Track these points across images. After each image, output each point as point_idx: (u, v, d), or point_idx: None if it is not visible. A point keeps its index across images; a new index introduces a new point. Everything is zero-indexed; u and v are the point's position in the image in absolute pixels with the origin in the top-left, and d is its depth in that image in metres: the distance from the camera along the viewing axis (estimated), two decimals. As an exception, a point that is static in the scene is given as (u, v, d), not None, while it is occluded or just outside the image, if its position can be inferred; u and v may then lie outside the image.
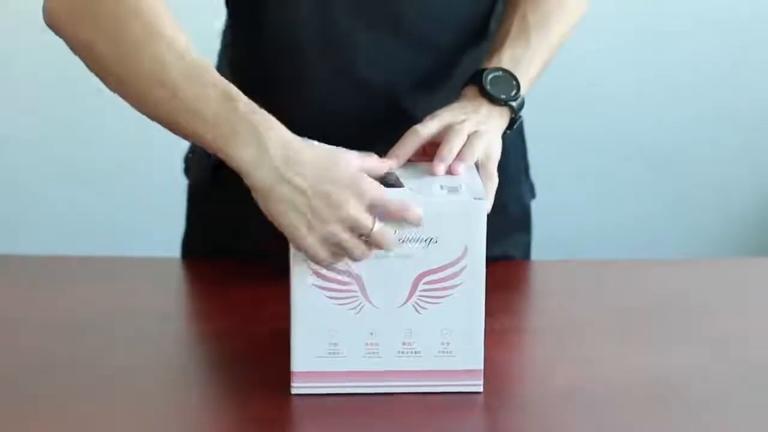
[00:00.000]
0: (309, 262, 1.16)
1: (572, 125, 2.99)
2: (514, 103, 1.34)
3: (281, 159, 1.15)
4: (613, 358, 1.28)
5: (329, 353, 1.18)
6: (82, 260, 1.58)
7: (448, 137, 1.25)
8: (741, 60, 3.08)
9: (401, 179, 1.20)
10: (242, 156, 1.15)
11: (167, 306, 1.42)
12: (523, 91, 1.35)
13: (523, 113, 1.37)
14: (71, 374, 1.23)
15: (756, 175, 3.15)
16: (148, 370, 1.24)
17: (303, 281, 1.17)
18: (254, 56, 1.43)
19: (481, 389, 1.20)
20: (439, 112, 1.30)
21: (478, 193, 1.18)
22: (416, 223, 1.16)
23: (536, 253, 1.67)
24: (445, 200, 1.16)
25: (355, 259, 1.16)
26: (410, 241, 1.16)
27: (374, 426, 1.16)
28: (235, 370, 1.25)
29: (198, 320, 1.41)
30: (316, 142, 1.18)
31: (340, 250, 1.16)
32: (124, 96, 1.24)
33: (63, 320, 1.36)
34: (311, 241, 1.15)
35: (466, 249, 1.16)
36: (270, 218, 1.16)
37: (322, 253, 1.15)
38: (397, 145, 1.25)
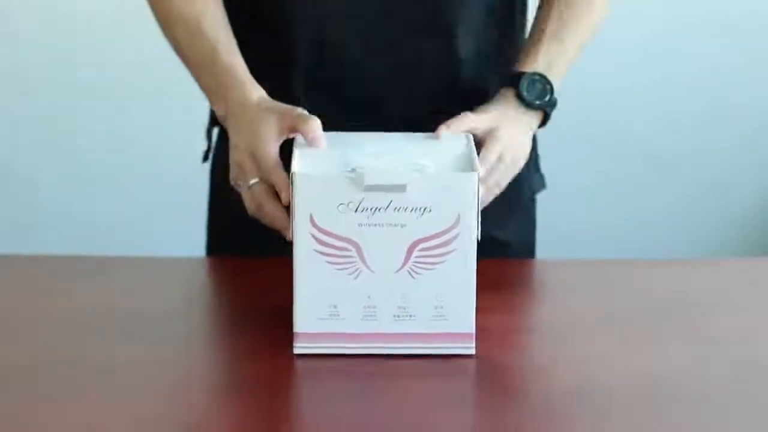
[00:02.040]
0: (311, 228, 1.22)
1: (572, 124, 2.99)
2: (548, 108, 1.49)
3: (233, 119, 1.42)
4: (613, 358, 1.28)
5: (330, 315, 1.23)
6: (82, 260, 1.58)
7: (489, 144, 1.42)
8: (742, 60, 3.08)
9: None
10: (217, 111, 1.47)
11: (167, 305, 1.42)
12: (556, 89, 1.49)
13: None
14: (71, 374, 1.23)
15: (756, 175, 3.15)
16: (148, 370, 1.24)
17: (305, 247, 1.22)
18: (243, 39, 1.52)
19: (473, 351, 1.24)
20: (483, 110, 1.45)
21: (472, 163, 1.25)
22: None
23: (537, 252, 1.67)
24: (439, 173, 1.23)
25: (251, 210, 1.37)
26: (405, 210, 1.21)
27: (373, 425, 1.16)
28: (238, 370, 1.25)
29: (200, 319, 1.41)
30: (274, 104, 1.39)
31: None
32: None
33: (63, 320, 1.36)
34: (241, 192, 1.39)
35: (458, 218, 1.22)
36: None
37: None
38: (452, 120, 1.39)
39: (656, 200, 3.14)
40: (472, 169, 1.24)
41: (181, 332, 1.34)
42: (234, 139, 1.41)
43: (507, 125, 1.45)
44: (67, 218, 3.04)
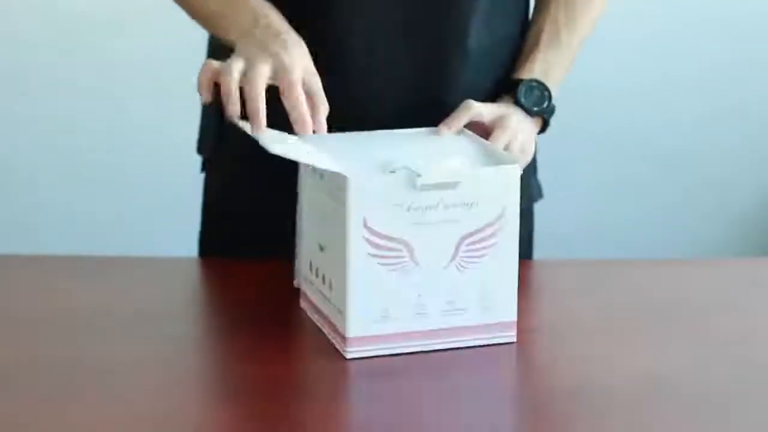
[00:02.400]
0: (364, 231, 1.23)
1: (574, 124, 2.99)
2: (546, 115, 1.50)
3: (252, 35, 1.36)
4: (613, 358, 1.28)
5: (382, 317, 1.25)
6: (82, 260, 1.58)
7: (497, 133, 1.42)
8: (742, 60, 3.08)
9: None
10: (228, 37, 1.39)
11: (167, 305, 1.42)
12: (554, 96, 1.50)
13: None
14: (71, 374, 1.23)
15: (757, 174, 3.15)
16: (148, 370, 1.24)
17: (359, 252, 1.23)
18: None
19: (515, 339, 1.29)
20: (490, 104, 1.45)
21: (509, 159, 1.30)
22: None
23: (537, 251, 1.67)
24: (485, 167, 1.27)
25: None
26: (455, 206, 1.24)
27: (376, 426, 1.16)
28: (237, 370, 1.25)
29: (199, 319, 1.41)
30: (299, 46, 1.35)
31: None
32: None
33: (63, 320, 1.36)
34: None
35: (503, 210, 1.26)
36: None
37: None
38: (451, 116, 1.39)
39: (657, 199, 3.15)
40: (510, 161, 1.28)
41: (181, 332, 1.34)
42: (250, 48, 1.34)
43: (516, 113, 1.46)
44: (67, 218, 3.04)
